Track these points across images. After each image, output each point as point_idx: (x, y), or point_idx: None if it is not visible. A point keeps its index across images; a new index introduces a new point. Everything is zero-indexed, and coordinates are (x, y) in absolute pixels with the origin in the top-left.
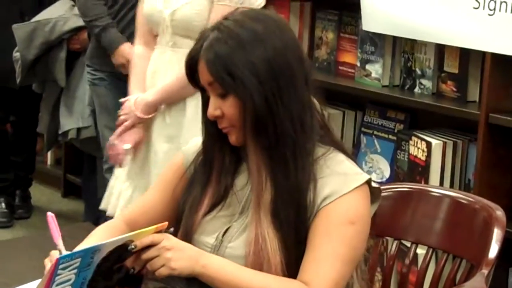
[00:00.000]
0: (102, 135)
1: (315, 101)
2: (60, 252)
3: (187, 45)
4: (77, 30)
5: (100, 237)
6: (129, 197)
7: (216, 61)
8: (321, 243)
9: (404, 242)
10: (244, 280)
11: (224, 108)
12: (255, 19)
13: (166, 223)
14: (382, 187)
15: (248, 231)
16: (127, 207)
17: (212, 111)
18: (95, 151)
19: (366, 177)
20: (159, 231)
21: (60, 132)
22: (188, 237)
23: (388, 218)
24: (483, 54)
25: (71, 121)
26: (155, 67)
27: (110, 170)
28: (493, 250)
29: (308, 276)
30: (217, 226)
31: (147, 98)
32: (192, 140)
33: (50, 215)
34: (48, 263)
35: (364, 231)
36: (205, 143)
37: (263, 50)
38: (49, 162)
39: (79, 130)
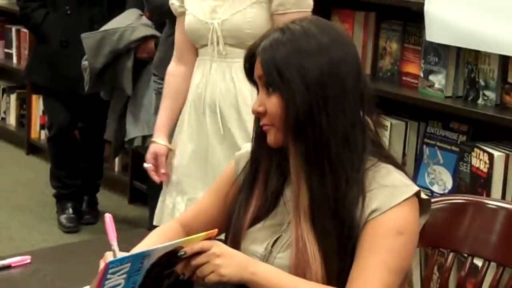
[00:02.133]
0: None
1: (368, 120)
2: (114, 254)
3: (236, 55)
4: (144, 39)
5: (155, 240)
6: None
7: (270, 58)
8: (368, 254)
9: (459, 254)
10: (296, 281)
11: (268, 105)
12: (321, 30)
13: (216, 230)
14: (437, 199)
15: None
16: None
17: (256, 106)
18: None
19: (415, 189)
20: (209, 238)
21: (126, 139)
22: (236, 245)
23: (444, 230)
24: None
25: (137, 129)
26: (201, 78)
27: None
28: None
29: (355, 285)
30: (267, 236)
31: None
32: (244, 145)
33: (108, 216)
34: (102, 263)
35: (412, 242)
36: (253, 142)
37: (319, 59)
38: (116, 168)
39: (144, 138)
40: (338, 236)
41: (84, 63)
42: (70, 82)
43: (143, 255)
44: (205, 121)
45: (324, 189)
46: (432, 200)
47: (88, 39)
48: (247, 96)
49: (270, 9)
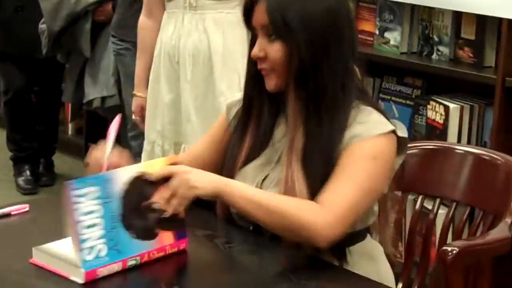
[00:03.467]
0: (127, 103)
1: (356, 68)
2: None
3: (208, 7)
4: (102, 1)
5: None
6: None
7: (276, 7)
8: (343, 171)
9: (428, 200)
10: (264, 198)
11: (270, 50)
12: None
13: (177, 156)
14: (410, 144)
15: (283, 178)
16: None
17: (257, 51)
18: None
19: (391, 127)
20: (173, 164)
21: (85, 101)
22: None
23: (415, 174)
24: (499, 20)
25: (96, 90)
26: (174, 31)
27: (135, 137)
28: None
29: (324, 196)
30: (257, 174)
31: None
32: (229, 99)
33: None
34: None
35: (385, 169)
36: (245, 86)
37: (320, 9)
38: (70, 131)
39: (103, 99)
40: (325, 175)
41: (42, 26)
42: (26, 46)
43: (104, 178)
44: (179, 70)
45: (320, 131)
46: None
47: (45, 2)
48: (219, 45)
49: None
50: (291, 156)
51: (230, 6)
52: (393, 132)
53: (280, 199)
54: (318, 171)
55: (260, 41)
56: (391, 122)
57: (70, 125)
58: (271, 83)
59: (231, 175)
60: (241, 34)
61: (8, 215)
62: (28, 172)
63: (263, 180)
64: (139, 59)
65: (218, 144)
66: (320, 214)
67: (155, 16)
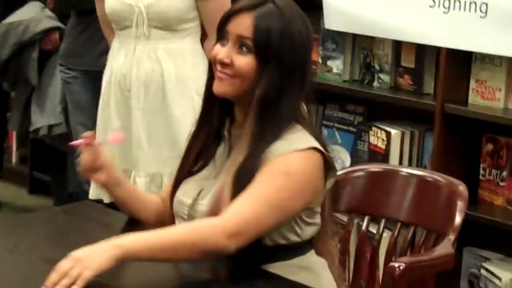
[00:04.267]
0: (75, 131)
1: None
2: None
3: (160, 37)
4: (49, 31)
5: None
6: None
7: (264, 28)
8: (252, 186)
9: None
10: (163, 239)
11: (236, 60)
12: (299, 16)
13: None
14: (355, 168)
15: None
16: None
17: (224, 56)
18: (65, 147)
19: (310, 145)
20: None
21: (31, 129)
22: (173, 195)
23: (362, 196)
24: (437, 49)
25: (43, 118)
26: (125, 59)
27: None
28: (458, 219)
29: (232, 206)
30: (194, 188)
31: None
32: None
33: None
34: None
35: (300, 187)
36: (203, 104)
37: (300, 38)
38: (14, 160)
39: (50, 127)
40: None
41: None
42: None
43: None
44: (130, 99)
45: (262, 144)
46: (350, 169)
47: None
48: (172, 73)
49: None
50: (231, 164)
51: (182, 36)
52: (317, 150)
53: (177, 231)
54: (243, 180)
55: (229, 49)
56: (319, 142)
57: (14, 154)
58: (222, 88)
59: (175, 187)
60: (193, 62)
61: None
62: None
63: (199, 193)
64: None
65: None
66: (217, 225)
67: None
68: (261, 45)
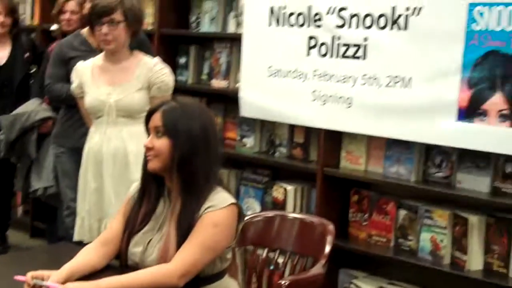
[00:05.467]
0: (63, 192)
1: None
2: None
3: (125, 123)
4: (45, 119)
5: (85, 255)
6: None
7: (169, 117)
8: (192, 235)
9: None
10: (129, 281)
11: (156, 143)
12: (196, 106)
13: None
14: (257, 214)
15: (162, 240)
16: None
17: (148, 143)
18: (56, 203)
19: (230, 201)
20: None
21: (31, 190)
22: (126, 248)
23: (261, 234)
24: (319, 130)
25: (40, 182)
26: (100, 136)
27: (68, 215)
28: (327, 248)
29: (178, 253)
30: (143, 240)
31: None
32: (133, 185)
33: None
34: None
35: (224, 233)
36: (142, 179)
37: (198, 123)
38: (19, 213)
39: (45, 189)
40: (188, 233)
41: (0, 137)
42: None
43: None
44: (102, 167)
45: (190, 205)
46: (254, 214)
47: (4, 119)
48: (133, 149)
49: (149, 94)
50: (170, 222)
51: (139, 122)
52: (235, 204)
53: (142, 275)
54: (184, 232)
55: (151, 138)
56: (234, 199)
57: (19, 208)
58: (153, 165)
59: (129, 237)
60: None
61: None
62: None
63: (148, 242)
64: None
65: (124, 217)
66: (168, 269)
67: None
68: (169, 128)
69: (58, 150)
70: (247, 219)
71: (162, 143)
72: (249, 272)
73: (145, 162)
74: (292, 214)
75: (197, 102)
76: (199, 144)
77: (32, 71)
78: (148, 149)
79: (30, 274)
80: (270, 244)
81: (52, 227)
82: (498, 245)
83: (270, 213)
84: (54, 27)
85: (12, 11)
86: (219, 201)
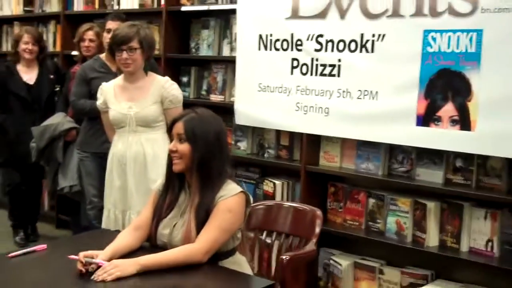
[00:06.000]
0: (86, 189)
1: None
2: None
3: (143, 131)
4: (70, 129)
5: (122, 238)
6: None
7: (189, 126)
8: (210, 221)
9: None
10: (164, 257)
11: (179, 147)
12: (211, 115)
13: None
14: (259, 203)
15: (185, 224)
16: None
17: (172, 147)
18: (80, 199)
19: (239, 189)
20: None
21: (58, 188)
22: (156, 229)
23: (262, 219)
24: (301, 134)
25: (66, 181)
26: (123, 145)
27: (91, 209)
28: (317, 230)
29: (199, 236)
30: (169, 224)
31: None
32: (158, 181)
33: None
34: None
35: (237, 217)
36: (166, 175)
37: (213, 130)
38: (46, 208)
39: (71, 187)
40: (205, 219)
41: (32, 144)
42: (22, 156)
43: None
44: (126, 168)
45: (207, 197)
46: (255, 204)
47: (35, 130)
48: (150, 153)
49: (163, 106)
50: (190, 210)
51: (156, 130)
52: (243, 192)
53: (171, 252)
54: (202, 219)
55: (174, 142)
56: (242, 188)
57: (46, 204)
58: (177, 166)
59: (158, 222)
60: (163, 145)
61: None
62: (22, 234)
63: (174, 226)
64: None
65: (152, 207)
66: (195, 248)
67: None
68: (189, 135)
69: (82, 154)
70: (251, 206)
71: (184, 148)
72: (251, 250)
73: (170, 162)
74: (287, 203)
75: (211, 112)
76: (214, 147)
77: (56, 90)
78: (172, 151)
79: (82, 254)
80: (268, 228)
81: (76, 219)
82: (451, 225)
83: (269, 202)
84: (75, 52)
85: (38, 40)
86: (230, 190)
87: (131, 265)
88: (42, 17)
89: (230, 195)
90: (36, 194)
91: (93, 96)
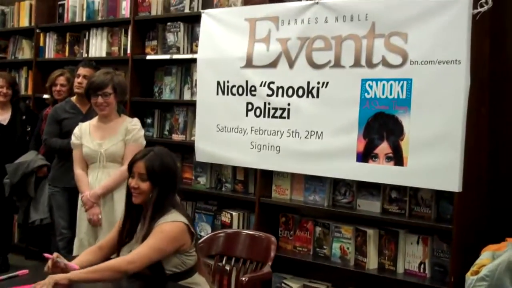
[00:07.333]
0: (57, 222)
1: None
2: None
3: (112, 166)
4: (41, 166)
5: (86, 255)
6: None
7: (150, 165)
8: (146, 240)
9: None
10: (92, 268)
11: (141, 185)
12: (167, 153)
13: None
14: (218, 231)
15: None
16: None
17: (134, 184)
18: (50, 231)
19: (178, 219)
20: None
21: (30, 221)
22: (119, 255)
23: (223, 246)
24: (255, 170)
25: (37, 215)
26: (93, 179)
27: (60, 240)
28: (272, 254)
29: (132, 252)
30: (128, 250)
31: (96, 192)
32: (121, 212)
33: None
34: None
35: (168, 239)
36: (126, 206)
37: (170, 167)
38: (16, 239)
39: (42, 219)
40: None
41: (6, 180)
42: None
43: None
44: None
45: (152, 225)
46: (215, 232)
47: (9, 167)
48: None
49: (126, 143)
50: (141, 238)
51: (121, 164)
52: (183, 222)
53: (99, 265)
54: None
55: (135, 180)
56: (185, 220)
57: (16, 235)
58: (137, 200)
59: (119, 248)
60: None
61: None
62: None
63: (130, 251)
64: (85, 189)
65: (116, 232)
66: (121, 258)
67: (83, 168)
68: (151, 175)
69: (53, 189)
70: (213, 234)
71: (145, 186)
72: (213, 275)
73: (129, 195)
74: (245, 231)
75: (167, 150)
76: (171, 183)
77: (28, 130)
78: (134, 188)
79: (55, 254)
80: (230, 253)
81: (46, 250)
82: (388, 250)
83: (229, 230)
84: (46, 96)
85: (12, 85)
86: (169, 218)
87: (62, 278)
88: (15, 63)
89: (167, 221)
90: (8, 227)
91: (63, 135)
